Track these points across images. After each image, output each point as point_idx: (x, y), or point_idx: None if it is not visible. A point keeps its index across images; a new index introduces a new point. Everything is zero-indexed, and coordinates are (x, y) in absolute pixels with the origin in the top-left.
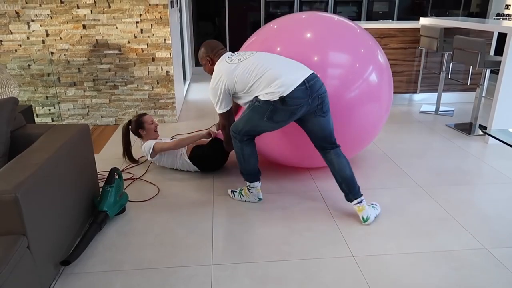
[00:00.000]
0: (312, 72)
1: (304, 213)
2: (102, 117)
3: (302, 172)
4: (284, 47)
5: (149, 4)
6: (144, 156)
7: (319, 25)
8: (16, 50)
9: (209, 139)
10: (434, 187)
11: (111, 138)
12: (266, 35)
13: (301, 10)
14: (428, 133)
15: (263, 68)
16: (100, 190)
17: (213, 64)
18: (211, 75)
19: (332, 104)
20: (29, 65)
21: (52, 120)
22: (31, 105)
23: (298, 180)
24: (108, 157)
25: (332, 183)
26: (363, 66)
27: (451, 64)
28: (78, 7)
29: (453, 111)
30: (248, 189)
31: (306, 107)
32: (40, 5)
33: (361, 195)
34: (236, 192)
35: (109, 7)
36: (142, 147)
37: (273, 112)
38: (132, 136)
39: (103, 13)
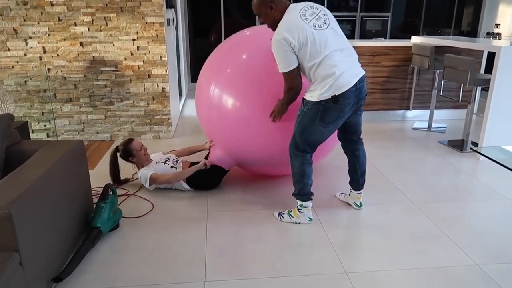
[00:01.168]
0: (364, 72)
1: (297, 229)
2: (97, 133)
3: None
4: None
5: (146, 22)
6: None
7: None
8: (13, 67)
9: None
10: (427, 203)
11: (106, 154)
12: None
13: None
14: (421, 149)
15: (330, 50)
16: (94, 206)
17: (275, 11)
18: (272, 28)
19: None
20: (25, 81)
21: (48, 136)
22: (27, 121)
23: (291, 195)
24: (102, 173)
25: (325, 197)
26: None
27: (442, 81)
28: (75, 25)
29: (445, 127)
30: (299, 210)
31: (352, 106)
32: (38, 23)
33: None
34: (284, 214)
35: (107, 25)
36: (138, 175)
37: (324, 112)
38: (121, 160)
39: (100, 30)
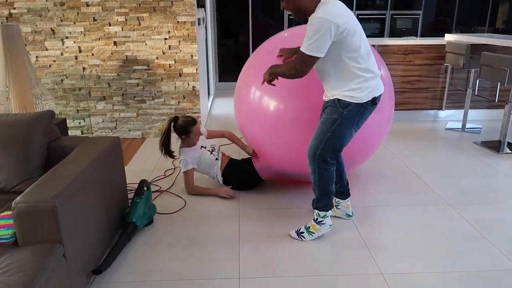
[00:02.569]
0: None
1: (331, 229)
2: (129, 130)
3: None
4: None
5: (178, 22)
6: (170, 169)
7: None
8: (50, 66)
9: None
10: (463, 205)
11: (138, 151)
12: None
13: None
14: (455, 150)
15: (369, 47)
16: (129, 201)
17: None
18: (297, 15)
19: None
20: (62, 80)
21: (82, 133)
22: (65, 118)
23: None
24: (135, 169)
25: (358, 199)
26: None
27: (477, 80)
28: (110, 25)
29: (480, 128)
30: (320, 222)
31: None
32: (74, 23)
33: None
34: (303, 234)
35: (139, 24)
36: (180, 156)
37: (361, 116)
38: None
39: (134, 30)
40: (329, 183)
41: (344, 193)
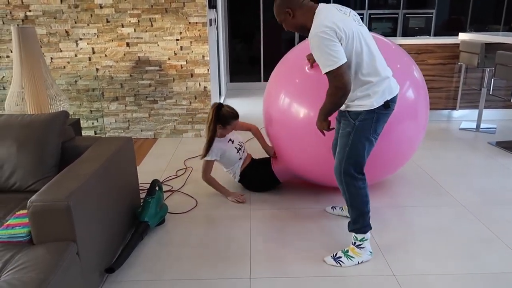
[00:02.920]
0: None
1: (342, 229)
2: (141, 130)
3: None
4: None
5: (189, 23)
6: (182, 169)
7: None
8: (64, 67)
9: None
10: (478, 207)
11: (150, 151)
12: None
13: None
14: (469, 150)
15: (376, 48)
16: (141, 201)
17: (294, 17)
18: (300, 32)
19: None
20: (75, 81)
21: (95, 133)
22: (79, 119)
23: (336, 196)
24: (147, 169)
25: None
26: (399, 81)
27: (492, 80)
28: (122, 26)
29: (495, 128)
30: (359, 246)
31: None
32: (88, 25)
33: None
34: (341, 258)
35: (152, 25)
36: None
37: (377, 122)
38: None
39: (146, 31)
40: (362, 202)
41: None
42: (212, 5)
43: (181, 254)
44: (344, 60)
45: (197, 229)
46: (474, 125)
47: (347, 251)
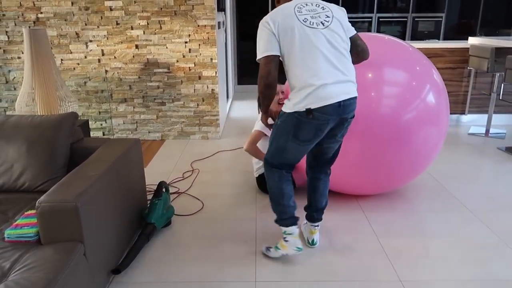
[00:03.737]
0: (356, 95)
1: (348, 234)
2: (149, 132)
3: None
4: None
5: (198, 25)
6: (189, 171)
7: (371, 43)
8: (74, 68)
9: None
10: (486, 212)
11: (157, 152)
12: None
13: None
14: (478, 156)
15: (316, 53)
16: (148, 202)
17: (278, 2)
18: None
19: (387, 126)
20: (85, 82)
21: (103, 134)
22: (88, 120)
23: (341, 201)
24: (154, 171)
25: (376, 204)
26: (420, 85)
27: (502, 84)
28: (132, 28)
29: (505, 133)
30: (284, 239)
31: (331, 125)
32: (98, 27)
33: (322, 219)
34: (271, 248)
35: (161, 28)
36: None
37: (297, 128)
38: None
39: (155, 33)
40: (275, 193)
41: (308, 214)
42: (221, 8)
43: (187, 256)
44: (271, 53)
45: (203, 231)
46: (483, 130)
47: (278, 243)
